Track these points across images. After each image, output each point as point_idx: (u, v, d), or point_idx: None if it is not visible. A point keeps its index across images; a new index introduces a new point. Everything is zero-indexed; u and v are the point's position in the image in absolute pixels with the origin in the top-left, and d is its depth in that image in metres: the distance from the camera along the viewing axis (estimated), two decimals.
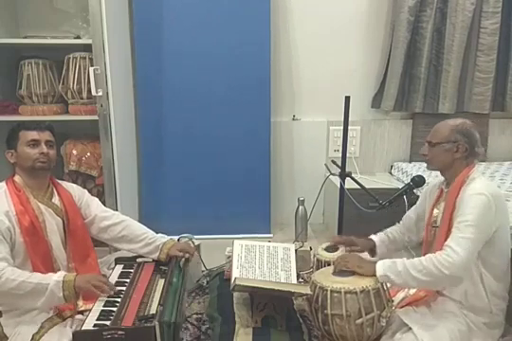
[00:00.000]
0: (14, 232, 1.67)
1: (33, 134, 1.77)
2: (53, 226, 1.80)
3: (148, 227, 2.03)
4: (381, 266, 1.64)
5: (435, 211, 1.79)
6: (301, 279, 2.29)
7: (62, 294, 1.59)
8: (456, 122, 1.73)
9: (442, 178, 1.82)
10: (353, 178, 2.32)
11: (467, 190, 1.63)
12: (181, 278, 1.84)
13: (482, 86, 2.97)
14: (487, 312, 1.63)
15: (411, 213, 2.00)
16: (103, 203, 2.08)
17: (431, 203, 1.83)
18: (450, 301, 1.66)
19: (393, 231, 2.03)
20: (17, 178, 1.78)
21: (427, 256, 1.59)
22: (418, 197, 2.03)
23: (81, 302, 1.73)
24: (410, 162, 3.13)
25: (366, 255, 1.99)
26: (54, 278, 1.60)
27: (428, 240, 1.82)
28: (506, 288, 1.69)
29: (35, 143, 1.77)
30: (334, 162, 2.44)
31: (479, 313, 1.63)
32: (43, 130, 1.80)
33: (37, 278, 1.60)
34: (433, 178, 2.00)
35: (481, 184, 1.64)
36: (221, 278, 2.15)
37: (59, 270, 1.77)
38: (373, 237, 2.03)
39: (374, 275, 1.65)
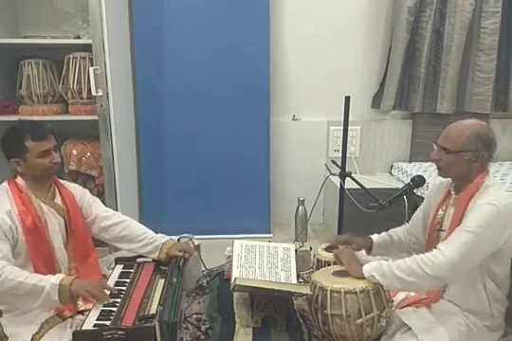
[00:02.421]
0: (17, 231, 1.68)
1: (43, 146, 1.75)
2: (55, 226, 1.81)
3: (148, 227, 2.04)
4: (368, 267, 1.64)
5: (440, 213, 1.73)
6: (301, 279, 2.29)
7: (57, 297, 1.58)
8: (475, 127, 1.59)
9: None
10: (353, 178, 2.32)
11: (479, 200, 1.55)
12: (179, 277, 1.84)
13: (482, 86, 2.97)
14: (489, 315, 1.62)
15: (418, 212, 1.94)
16: (103, 203, 2.08)
17: (437, 203, 1.77)
18: (451, 303, 1.65)
19: (398, 231, 1.97)
20: (19, 180, 1.78)
21: (412, 256, 1.57)
22: (418, 197, 2.01)
23: (81, 302, 1.72)
24: (410, 162, 3.12)
25: (363, 253, 1.97)
26: (51, 281, 1.59)
27: (430, 242, 1.76)
28: (505, 293, 1.67)
29: (46, 153, 1.76)
30: (334, 162, 2.44)
31: (480, 316, 1.62)
32: (48, 137, 1.78)
33: (35, 278, 1.58)
34: (434, 178, 1.98)
35: (494, 194, 1.55)
36: (221, 278, 2.16)
37: (60, 270, 1.78)
38: (373, 236, 1.98)
39: (361, 276, 1.65)
